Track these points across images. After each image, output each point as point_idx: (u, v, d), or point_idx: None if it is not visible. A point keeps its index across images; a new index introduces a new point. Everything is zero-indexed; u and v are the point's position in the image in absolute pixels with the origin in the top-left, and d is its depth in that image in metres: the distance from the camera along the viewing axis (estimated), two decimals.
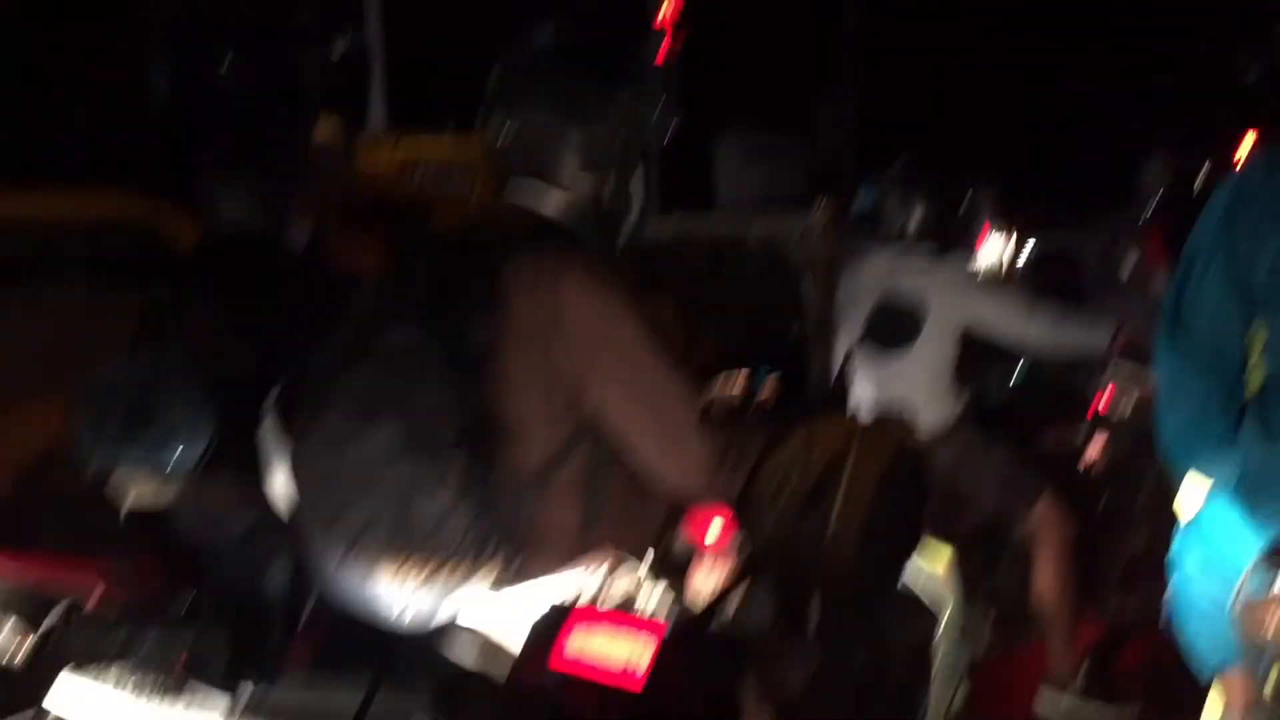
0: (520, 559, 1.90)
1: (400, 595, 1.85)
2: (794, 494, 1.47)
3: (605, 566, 1.99)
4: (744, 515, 1.75)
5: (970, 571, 3.67)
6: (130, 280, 3.50)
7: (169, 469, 1.88)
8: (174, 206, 3.73)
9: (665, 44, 13.65)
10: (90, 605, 2.19)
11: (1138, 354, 3.74)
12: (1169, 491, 2.20)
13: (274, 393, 2.34)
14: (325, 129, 4.44)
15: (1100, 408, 4.15)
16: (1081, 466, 4.13)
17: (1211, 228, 1.85)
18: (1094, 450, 4.16)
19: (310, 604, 1.89)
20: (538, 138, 2.01)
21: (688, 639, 1.45)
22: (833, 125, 16.34)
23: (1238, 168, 1.89)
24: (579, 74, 2.02)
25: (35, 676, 1.99)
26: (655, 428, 1.89)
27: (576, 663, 1.62)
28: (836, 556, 1.42)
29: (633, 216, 2.17)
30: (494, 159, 2.09)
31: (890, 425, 1.60)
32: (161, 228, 3.77)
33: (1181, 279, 1.89)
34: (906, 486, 1.38)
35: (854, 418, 1.56)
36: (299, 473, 1.98)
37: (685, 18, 13.60)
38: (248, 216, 2.94)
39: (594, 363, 1.89)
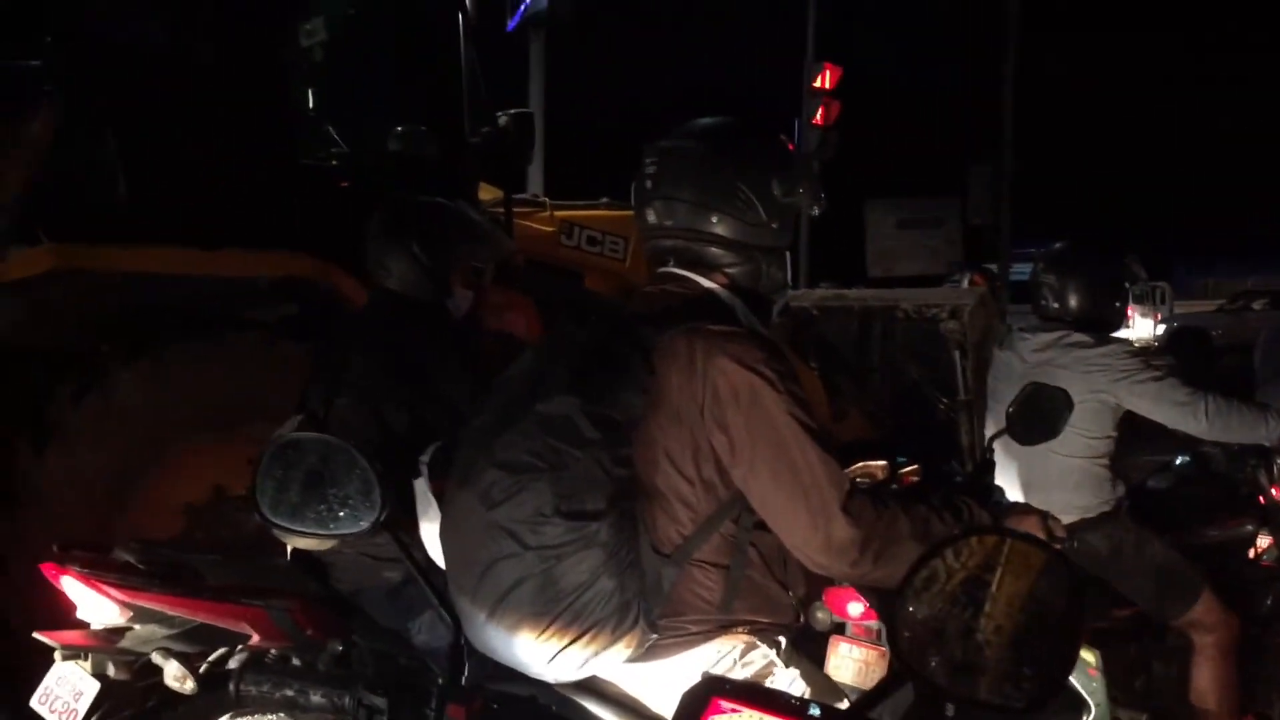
0: (661, 629, 1.92)
1: (543, 657, 1.89)
2: (941, 595, 1.45)
3: (744, 642, 2.00)
4: (888, 607, 1.73)
5: (1122, 671, 3.52)
6: (304, 335, 3.70)
7: (341, 533, 1.97)
8: (345, 269, 3.92)
9: (821, 109, 13.72)
10: (250, 649, 2.29)
11: None
12: None
13: (431, 449, 2.44)
14: (485, 197, 4.63)
15: (1269, 500, 3.95)
16: (1246, 561, 3.93)
17: None
18: (1260, 544, 3.96)
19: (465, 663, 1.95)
20: (687, 224, 2.06)
21: None
22: (986, 196, 16.09)
23: None
24: (728, 165, 2.06)
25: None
26: (800, 507, 1.90)
27: None
28: (985, 671, 1.40)
29: (783, 294, 2.20)
30: (648, 239, 2.15)
31: (1036, 538, 1.58)
32: (334, 287, 3.98)
33: None
34: (1058, 605, 1.35)
35: (1002, 530, 1.54)
36: (449, 530, 2.05)
37: (841, 88, 13.65)
38: (412, 281, 3.08)
39: (742, 440, 1.92)
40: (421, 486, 2.38)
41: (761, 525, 1.96)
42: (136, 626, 2.41)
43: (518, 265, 4.35)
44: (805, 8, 14.49)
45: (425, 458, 2.42)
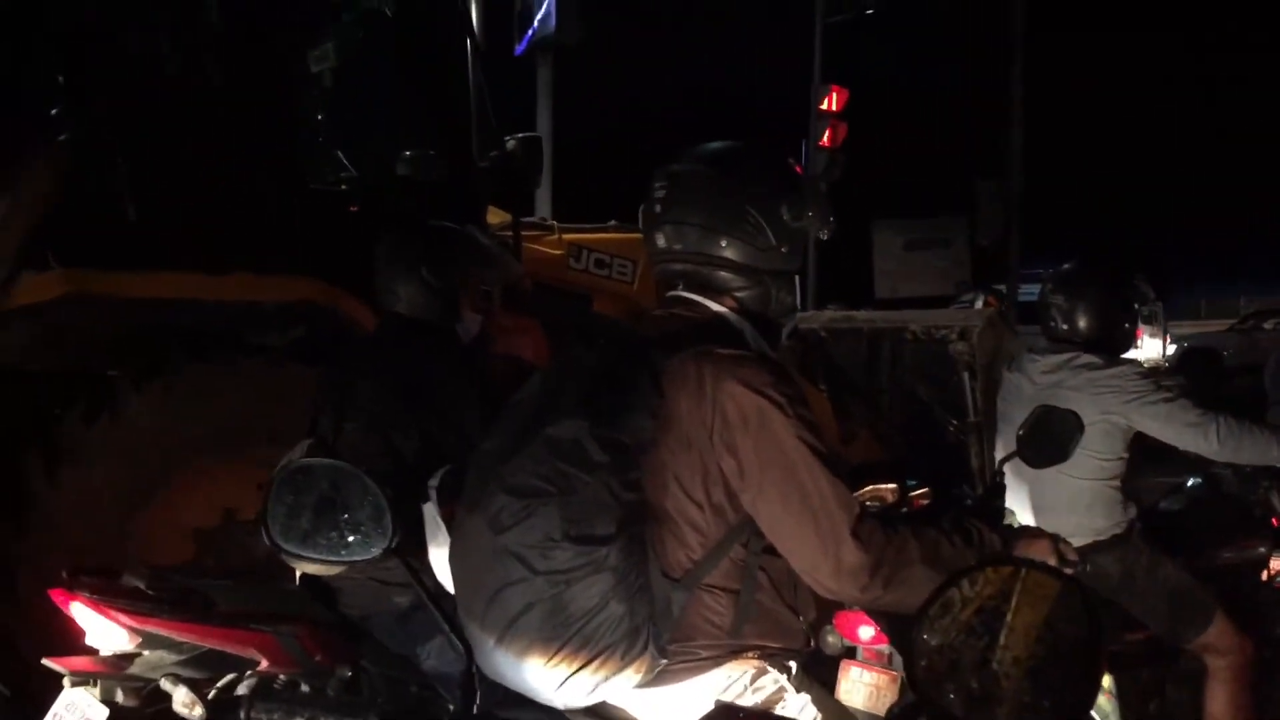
0: (671, 654, 1.92)
1: (552, 683, 1.88)
2: (957, 624, 1.44)
3: (754, 667, 1.99)
4: (899, 631, 1.73)
5: (1136, 695, 3.49)
6: (314, 359, 3.71)
7: (352, 560, 1.97)
8: (354, 293, 3.94)
9: (829, 131, 13.75)
10: (259, 675, 2.29)
11: None
12: None
13: (439, 474, 2.44)
14: (493, 220, 4.64)
15: None
16: (1259, 584, 3.90)
17: None
18: (1273, 566, 3.93)
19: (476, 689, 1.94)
20: (696, 248, 2.07)
21: None
22: (994, 214, 16.10)
23: None
24: (737, 190, 2.07)
25: None
26: (810, 531, 1.89)
27: None
28: (1003, 702, 1.38)
29: (792, 318, 2.20)
30: (658, 263, 2.16)
31: (1051, 567, 1.57)
32: (343, 312, 3.99)
33: None
34: (1076, 634, 1.34)
35: (1017, 560, 1.53)
36: (458, 555, 2.04)
37: (849, 110, 13.69)
38: (421, 305, 3.09)
39: (751, 464, 1.91)
40: (430, 511, 2.38)
41: (771, 549, 1.96)
42: (145, 652, 2.40)
43: (526, 288, 4.35)
44: (812, 31, 14.55)
45: (434, 482, 2.41)
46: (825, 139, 13.57)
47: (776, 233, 2.07)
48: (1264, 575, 3.91)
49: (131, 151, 3.94)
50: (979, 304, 11.59)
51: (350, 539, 1.94)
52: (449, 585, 2.11)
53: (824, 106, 13.70)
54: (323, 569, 2.08)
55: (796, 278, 2.21)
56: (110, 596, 2.43)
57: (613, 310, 4.88)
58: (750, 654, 1.99)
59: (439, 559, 2.23)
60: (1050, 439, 2.44)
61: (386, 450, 2.88)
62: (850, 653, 3.01)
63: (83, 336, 3.76)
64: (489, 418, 2.21)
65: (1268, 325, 19.50)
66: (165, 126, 4.01)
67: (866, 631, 2.95)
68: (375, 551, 1.95)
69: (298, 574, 2.65)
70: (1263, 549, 3.90)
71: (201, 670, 2.30)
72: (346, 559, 1.97)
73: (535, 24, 8.79)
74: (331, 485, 1.96)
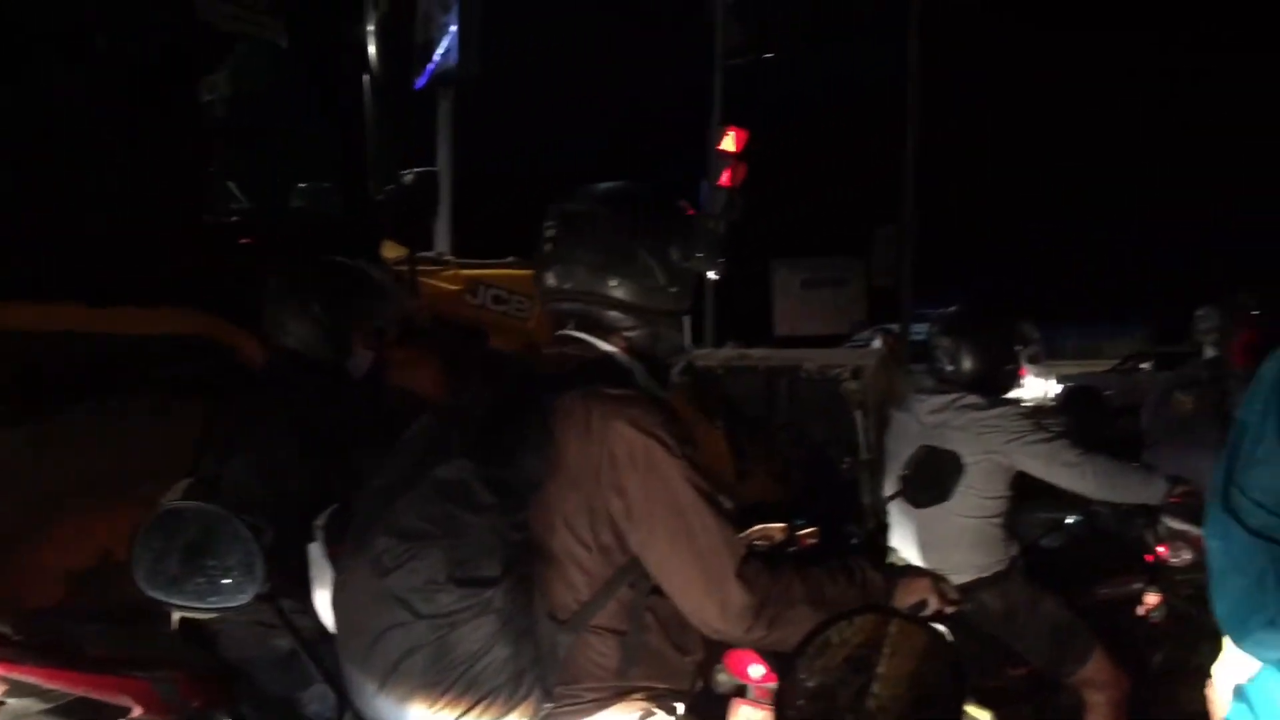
0: (556, 697, 1.90)
1: None
2: (833, 667, 1.47)
3: (641, 709, 1.99)
4: (784, 671, 1.74)
5: None
6: (201, 395, 3.61)
7: (221, 606, 1.92)
8: (244, 327, 3.85)
9: (728, 172, 13.93)
10: None
11: (1196, 505, 3.68)
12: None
13: (325, 514, 2.39)
14: (390, 255, 4.59)
15: (1157, 558, 4.07)
16: (1135, 619, 4.03)
17: (1262, 399, 1.83)
18: (1149, 601, 4.06)
19: None
20: (586, 287, 2.08)
21: None
22: (890, 256, 16.48)
23: None
24: (627, 230, 2.08)
25: None
26: (696, 572, 1.90)
27: None
28: None
29: (682, 357, 2.22)
30: (548, 301, 2.16)
31: (921, 619, 1.61)
32: (232, 347, 3.89)
33: (1232, 452, 1.87)
34: (941, 683, 1.37)
35: (889, 611, 1.58)
36: (340, 598, 2.01)
37: (747, 151, 13.89)
38: (312, 341, 3.04)
39: (639, 504, 1.92)
40: (317, 551, 2.33)
41: (658, 590, 1.96)
42: (10, 701, 2.31)
43: (423, 324, 4.31)
44: (713, 70, 14.78)
45: (321, 522, 2.37)
46: (724, 179, 13.74)
47: (666, 273, 2.09)
48: (1140, 610, 4.04)
49: (10, 178, 3.81)
50: (875, 343, 11.82)
51: (220, 584, 1.90)
52: (331, 629, 2.07)
53: (723, 147, 13.89)
54: (196, 613, 2.03)
55: (686, 317, 2.23)
56: None
57: (510, 346, 4.85)
58: (637, 695, 1.99)
59: (324, 601, 2.19)
60: (932, 479, 2.50)
61: (273, 489, 2.82)
62: (741, 691, 3.02)
63: None
64: (380, 456, 2.18)
65: (1144, 366, 20.20)
66: (48, 152, 3.89)
67: (757, 670, 2.97)
68: (244, 597, 1.90)
69: (174, 618, 2.57)
70: (1138, 585, 4.03)
71: (71, 719, 2.21)
72: (215, 605, 1.92)
73: (436, 58, 8.75)
74: (201, 529, 1.91)
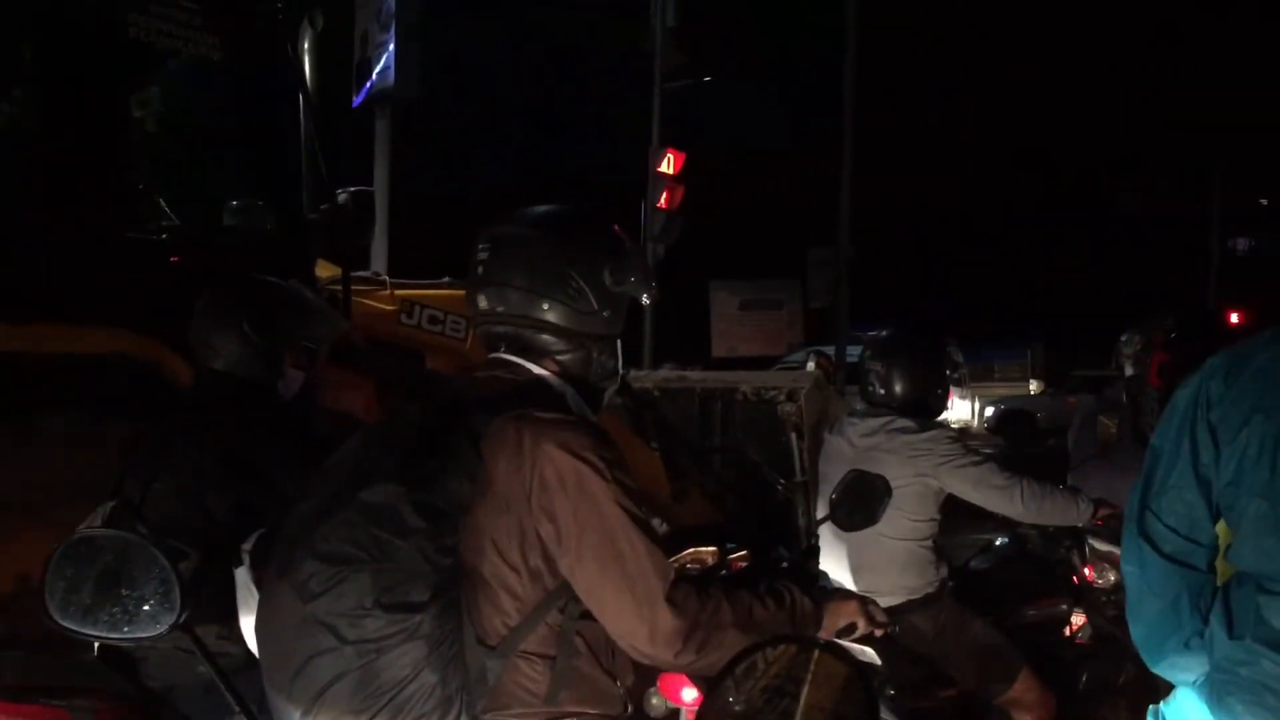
0: None
1: None
2: (755, 692, 1.48)
3: None
4: (709, 693, 1.75)
5: None
6: (125, 415, 3.54)
7: (137, 637, 1.88)
8: (171, 347, 3.78)
9: (666, 194, 14.02)
10: None
11: (1119, 527, 3.74)
12: None
13: (253, 537, 2.35)
14: (324, 274, 4.55)
15: (1082, 580, 4.14)
16: (1062, 640, 4.10)
17: (1175, 426, 1.87)
18: (1075, 622, 4.13)
19: None
20: (518, 310, 2.07)
21: None
22: (825, 279, 16.67)
23: (1202, 367, 1.91)
24: (559, 253, 2.08)
25: None
26: (626, 597, 1.90)
27: None
28: None
29: (614, 381, 2.22)
30: (480, 324, 2.15)
31: (844, 651, 1.64)
32: (159, 366, 3.82)
33: (1147, 478, 1.91)
34: (857, 716, 1.39)
35: (810, 642, 1.60)
36: (265, 623, 1.97)
37: (686, 174, 13.98)
38: (241, 361, 2.99)
39: (569, 528, 1.91)
40: (243, 576, 2.30)
41: (588, 615, 1.95)
42: None
43: (358, 344, 4.27)
44: (651, 94, 14.86)
45: (247, 546, 2.33)
46: (663, 201, 13.81)
47: (598, 297, 2.09)
48: (1066, 631, 4.10)
49: None
50: (810, 365, 11.93)
51: (136, 613, 1.85)
52: (256, 655, 2.03)
53: (662, 169, 13.96)
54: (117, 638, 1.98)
55: (619, 341, 2.23)
56: None
57: (445, 367, 4.82)
58: None
59: (250, 626, 2.15)
60: (860, 502, 2.52)
61: (198, 511, 2.77)
62: (674, 715, 3.02)
63: None
64: (307, 479, 2.15)
65: (1072, 389, 20.59)
66: None
67: (689, 694, 2.97)
68: (161, 628, 1.86)
69: (95, 645, 2.51)
70: (1064, 606, 4.10)
71: None
72: (131, 635, 1.88)
73: (374, 76, 8.72)
74: (116, 556, 1.87)
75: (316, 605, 1.82)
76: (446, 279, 5.15)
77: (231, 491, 2.80)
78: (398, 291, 5.00)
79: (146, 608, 1.87)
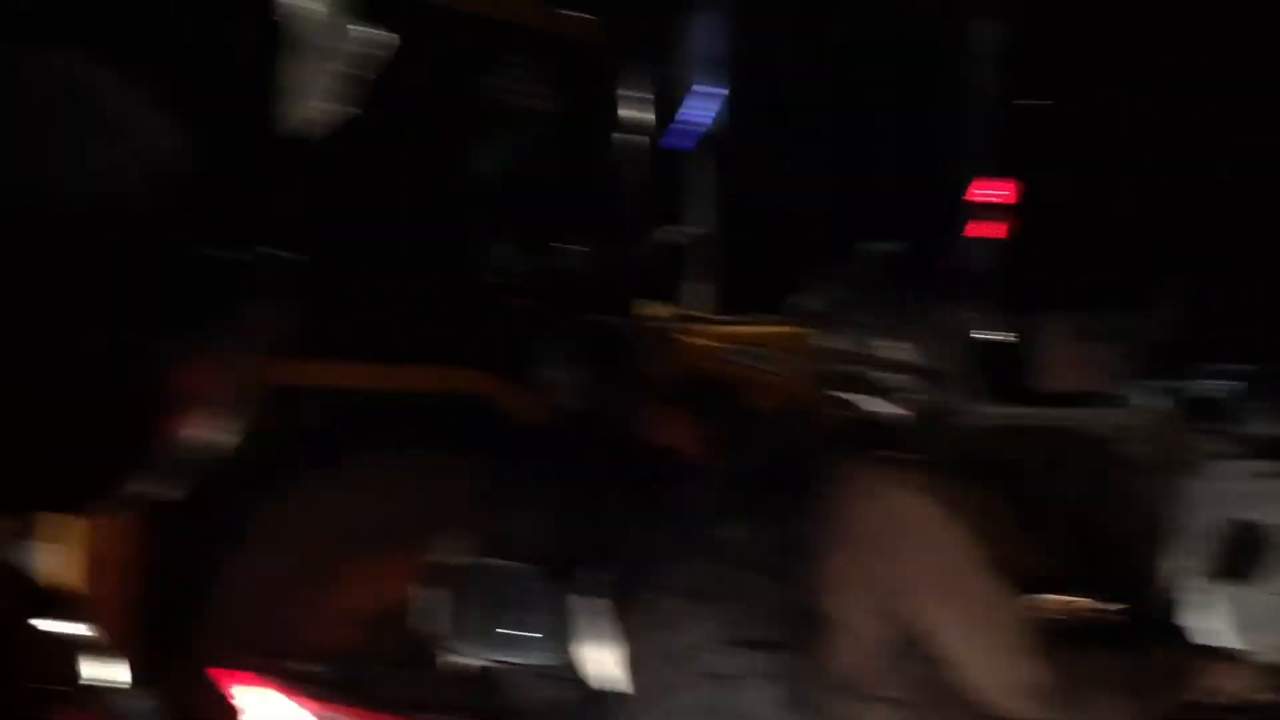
0: None
1: None
2: None
3: None
4: None
5: None
6: (471, 450, 3.76)
7: (529, 661, 1.99)
8: (514, 384, 3.99)
9: (997, 224, 13.55)
10: None
11: None
12: None
13: (599, 567, 2.42)
14: (650, 313, 4.67)
15: None
16: None
17: None
18: None
19: None
20: (862, 349, 2.04)
21: None
22: (1173, 308, 15.42)
23: None
24: (906, 293, 2.07)
25: None
26: (981, 648, 1.81)
27: None
28: None
29: (957, 420, 2.13)
30: (822, 363, 2.13)
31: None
32: (502, 403, 4.04)
33: None
34: None
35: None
36: (626, 654, 2.03)
37: (1020, 204, 13.45)
38: (584, 398, 3.11)
39: (918, 577, 1.85)
40: (588, 604, 2.36)
41: (943, 662, 1.87)
42: None
43: (681, 381, 4.34)
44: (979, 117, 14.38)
45: (594, 575, 2.40)
46: (993, 230, 13.35)
47: (943, 335, 2.04)
48: None
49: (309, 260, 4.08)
50: (1160, 403, 11.03)
51: (525, 639, 1.96)
52: (604, 682, 2.08)
53: (994, 198, 13.50)
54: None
55: (963, 381, 2.15)
56: (300, 683, 2.46)
57: (771, 404, 4.81)
58: None
59: (593, 654, 2.21)
60: (1244, 554, 2.28)
61: (552, 543, 2.88)
62: None
63: (273, 423, 3.87)
64: (648, 510, 2.20)
65: None
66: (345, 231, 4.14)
67: None
68: (549, 655, 1.96)
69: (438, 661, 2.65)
70: None
71: None
72: (519, 661, 1.98)
73: (684, 116, 8.94)
74: (504, 583, 1.98)
75: (673, 639, 1.86)
76: (773, 315, 5.16)
77: (581, 523, 2.91)
78: (723, 329, 5.06)
79: (536, 635, 1.97)
